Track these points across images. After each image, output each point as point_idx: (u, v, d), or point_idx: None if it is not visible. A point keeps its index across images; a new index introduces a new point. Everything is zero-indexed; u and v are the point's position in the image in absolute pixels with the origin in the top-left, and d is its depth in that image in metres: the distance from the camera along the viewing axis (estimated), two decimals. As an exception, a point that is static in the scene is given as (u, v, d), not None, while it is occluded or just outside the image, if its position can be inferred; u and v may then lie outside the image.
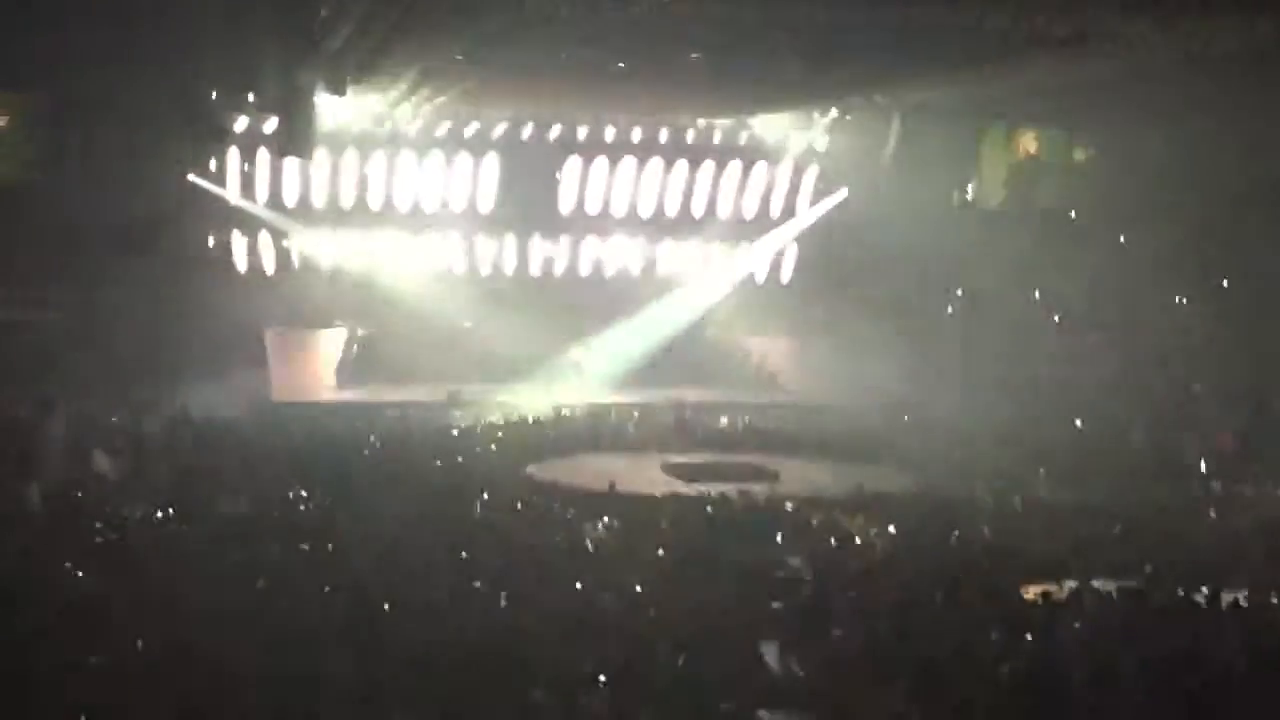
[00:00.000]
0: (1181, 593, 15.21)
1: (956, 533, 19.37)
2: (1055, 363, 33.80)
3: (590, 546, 17.89)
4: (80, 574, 14.93)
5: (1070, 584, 15.51)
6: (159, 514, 18.77)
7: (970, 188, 36.49)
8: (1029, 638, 13.20)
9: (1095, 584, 15.41)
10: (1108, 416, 29.60)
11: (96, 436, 24.66)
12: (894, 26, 24.14)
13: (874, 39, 25.17)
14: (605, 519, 19.50)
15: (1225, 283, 33.15)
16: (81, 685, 11.30)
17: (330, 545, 16.89)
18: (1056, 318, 35.65)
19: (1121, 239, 34.66)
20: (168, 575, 14.95)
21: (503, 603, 14.19)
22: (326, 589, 14.34)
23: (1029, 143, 35.67)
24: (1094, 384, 31.85)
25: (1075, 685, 11.84)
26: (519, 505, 20.81)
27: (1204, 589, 15.20)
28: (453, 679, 11.59)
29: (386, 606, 13.40)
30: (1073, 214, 35.54)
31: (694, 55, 26.93)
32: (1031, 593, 15.15)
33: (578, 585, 15.05)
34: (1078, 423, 29.51)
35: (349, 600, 13.83)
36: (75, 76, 27.79)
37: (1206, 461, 25.58)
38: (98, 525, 17.87)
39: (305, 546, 16.82)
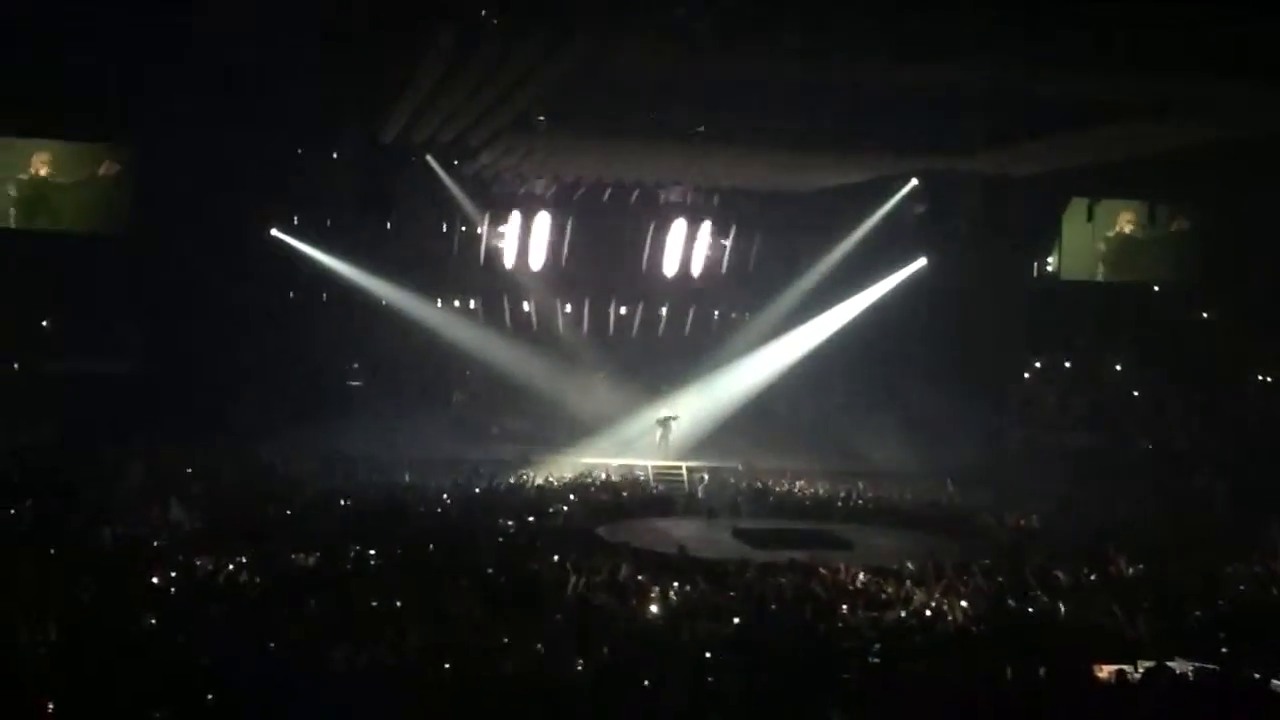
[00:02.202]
0: (1259, 677, 14.89)
1: (1030, 609, 19.10)
2: (1135, 435, 33.41)
3: (656, 610, 17.79)
4: (150, 620, 15.04)
5: (1146, 664, 15.22)
6: (230, 565, 18.87)
7: (1051, 259, 36.20)
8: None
9: (1171, 665, 15.12)
10: (1189, 490, 29.17)
11: (173, 485, 24.84)
12: (980, 95, 24.17)
13: (957, 106, 25.18)
14: (674, 583, 19.39)
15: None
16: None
17: (397, 602, 16.91)
18: (1136, 392, 35.25)
19: (1205, 314, 34.33)
20: (231, 624, 15.02)
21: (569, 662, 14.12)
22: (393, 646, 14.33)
23: (1114, 215, 35.33)
24: (1174, 457, 31.44)
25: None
26: (587, 566, 20.74)
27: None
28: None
29: (447, 666, 13.36)
30: (1155, 288, 35.17)
31: (777, 122, 27.01)
32: (1105, 672, 14.89)
33: (640, 647, 14.96)
34: (1156, 496, 29.07)
35: (415, 658, 13.82)
36: (167, 131, 28.21)
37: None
38: (171, 574, 18.03)
39: (375, 603, 16.86)
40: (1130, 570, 22.68)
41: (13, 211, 30.08)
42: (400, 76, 24.85)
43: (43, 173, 30.31)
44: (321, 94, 26.40)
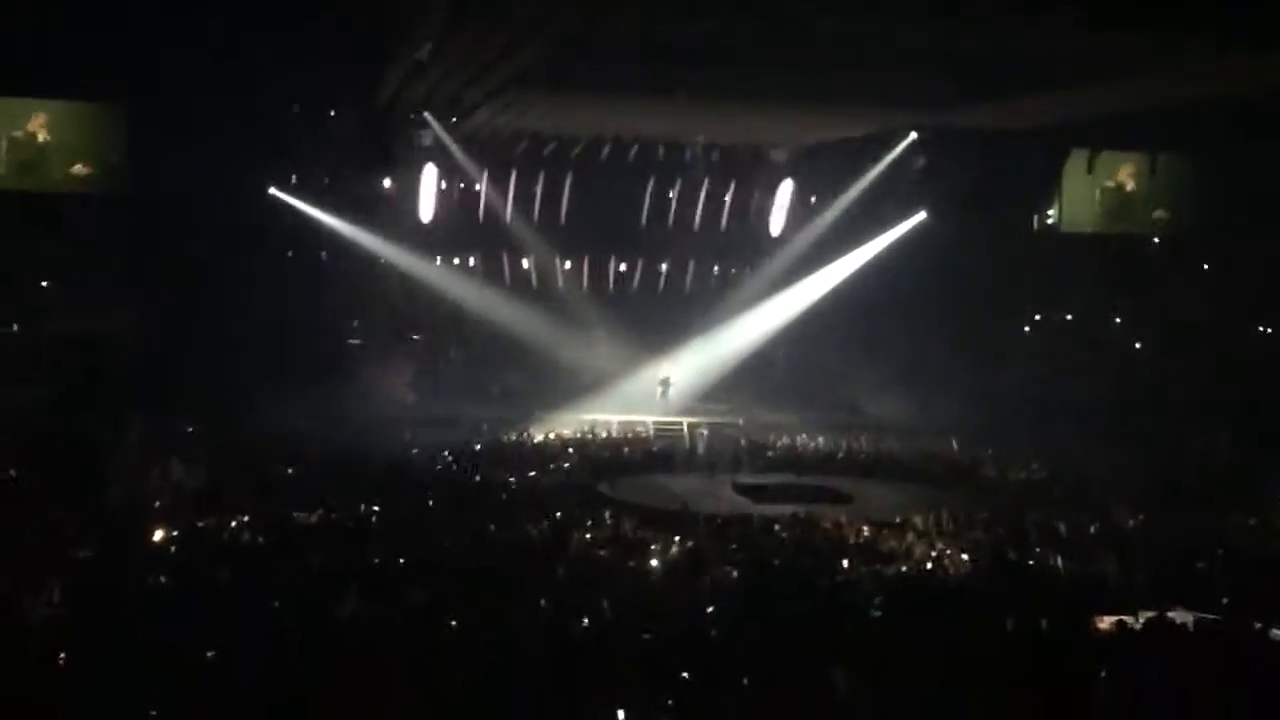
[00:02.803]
0: (1259, 626, 14.92)
1: (1031, 561, 19.16)
2: (1137, 387, 33.41)
3: (658, 564, 17.84)
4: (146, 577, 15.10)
5: (1146, 614, 15.25)
6: (234, 523, 18.93)
7: (1052, 212, 36.10)
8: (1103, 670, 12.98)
9: (1172, 615, 15.15)
10: (1190, 442, 29.19)
11: (174, 446, 24.87)
12: (976, 50, 24.09)
13: (956, 62, 25.09)
14: (675, 538, 19.44)
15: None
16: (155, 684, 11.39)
17: (402, 559, 16.96)
18: (1139, 344, 35.24)
19: (1205, 265, 34.28)
20: (237, 583, 15.06)
21: (567, 617, 14.17)
22: (394, 601, 14.37)
23: (1113, 167, 35.21)
24: (1174, 410, 31.43)
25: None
26: (589, 522, 20.80)
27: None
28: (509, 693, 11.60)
29: (454, 622, 13.40)
30: (1155, 239, 35.10)
31: (775, 77, 26.90)
32: (1106, 623, 14.92)
33: (643, 602, 15.01)
34: (1157, 449, 29.11)
35: (417, 612, 13.86)
36: (161, 88, 28.07)
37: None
38: (170, 533, 18.09)
39: (376, 560, 16.92)
40: (1131, 522, 22.74)
41: (3, 171, 29.98)
42: (398, 34, 24.74)
43: (40, 133, 30.20)
44: (319, 52, 26.23)
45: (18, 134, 30.10)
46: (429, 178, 34.51)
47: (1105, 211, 34.94)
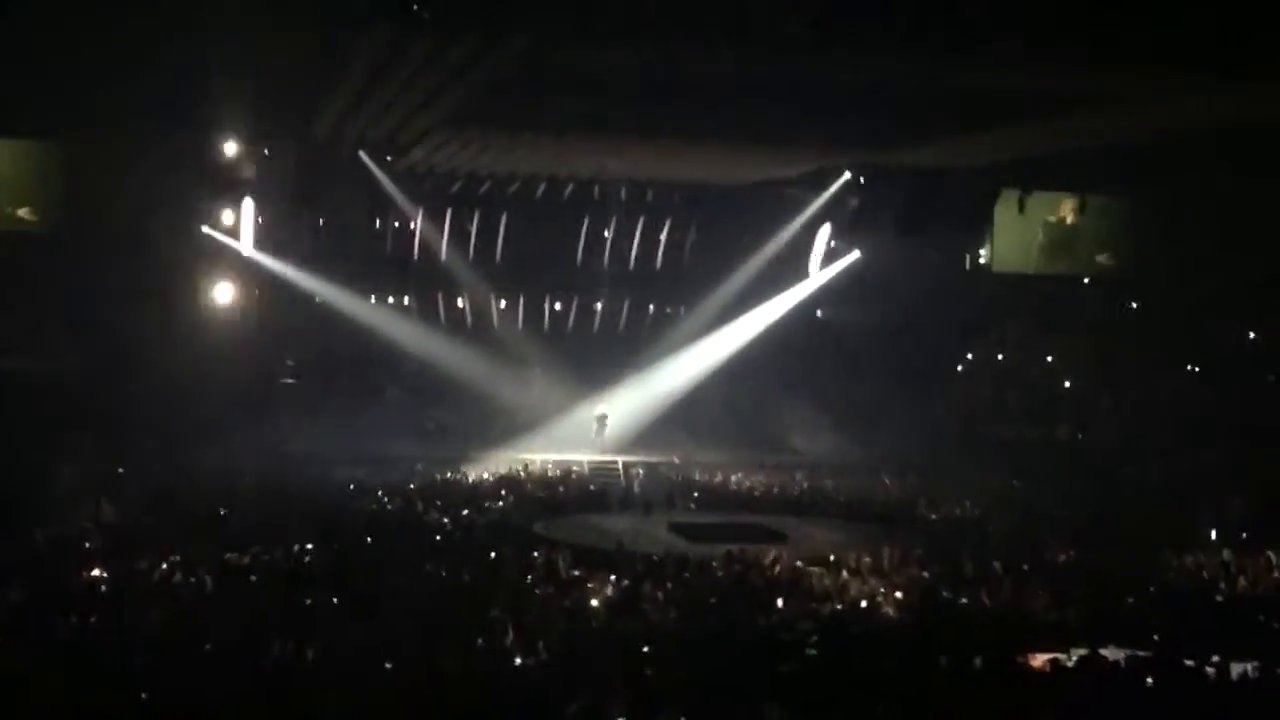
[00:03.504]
0: (1192, 662, 15.04)
1: (964, 599, 19.24)
2: (1065, 426, 33.73)
3: (594, 604, 17.79)
4: (75, 619, 14.92)
5: (1079, 652, 15.35)
6: (164, 564, 18.73)
7: (984, 252, 36.44)
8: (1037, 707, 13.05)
9: (1104, 652, 15.25)
10: (1121, 480, 29.46)
11: (105, 486, 24.60)
12: (910, 90, 24.31)
13: (888, 102, 25.30)
14: (611, 577, 19.40)
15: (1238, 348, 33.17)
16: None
17: (335, 599, 16.84)
18: (1068, 383, 35.59)
19: (1134, 304, 34.70)
20: (166, 622, 14.93)
21: (503, 659, 14.11)
22: (325, 641, 14.26)
23: (1050, 206, 35.57)
24: (1105, 448, 31.75)
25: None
26: (524, 562, 20.72)
27: (1215, 658, 15.05)
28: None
29: (388, 665, 13.31)
30: (1086, 280, 35.49)
31: (710, 116, 27.05)
32: (1039, 660, 15.00)
33: (580, 642, 14.97)
34: (1087, 486, 29.36)
35: (349, 651, 13.76)
36: (91, 126, 27.90)
37: (1218, 527, 25.42)
38: (100, 574, 17.88)
39: (308, 601, 16.78)
40: (1063, 559, 22.89)
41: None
42: (334, 73, 24.70)
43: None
44: (253, 91, 26.15)
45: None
46: (364, 216, 34.41)
47: (1043, 250, 35.27)
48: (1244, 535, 24.91)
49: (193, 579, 18.01)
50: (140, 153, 28.36)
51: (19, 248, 29.92)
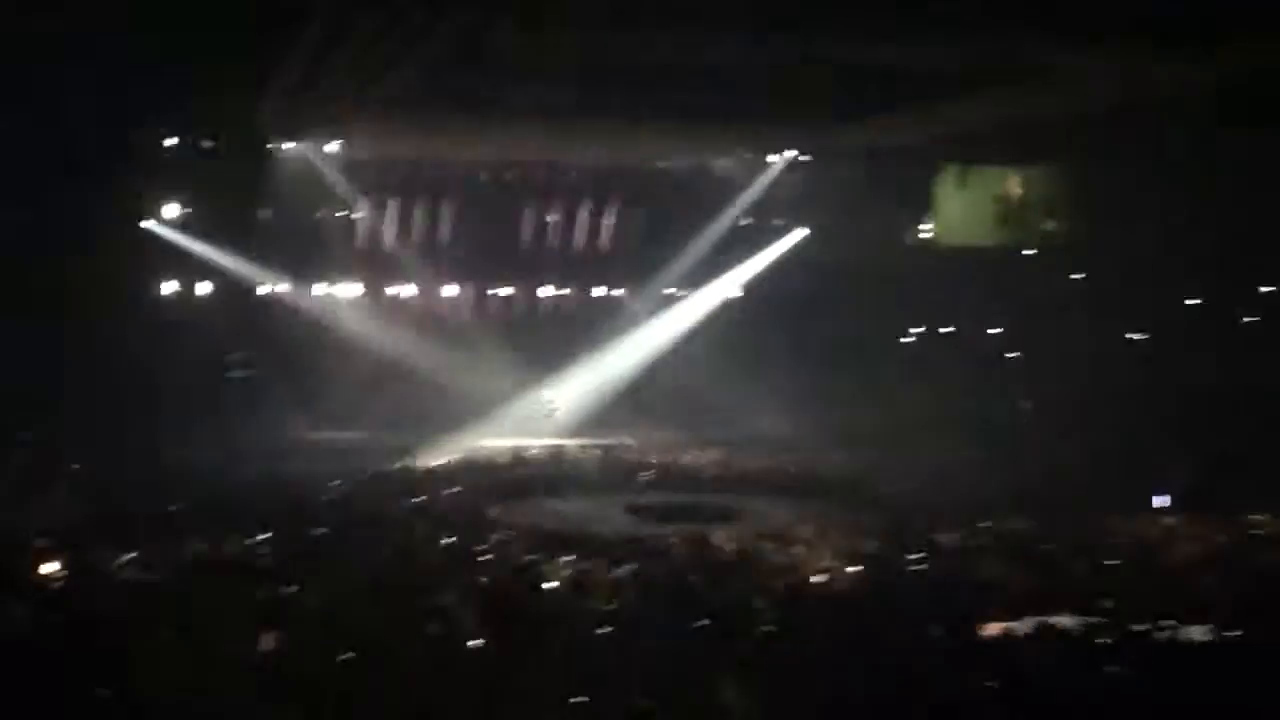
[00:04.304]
0: (1142, 628, 15.26)
1: (921, 569, 19.44)
2: (1014, 397, 34.02)
3: (550, 588, 17.87)
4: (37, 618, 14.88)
5: (1031, 620, 15.54)
6: (118, 560, 18.67)
7: (928, 226, 36.63)
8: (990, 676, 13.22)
9: (1055, 620, 15.45)
10: (1069, 450, 29.74)
11: (57, 481, 24.47)
12: (851, 67, 24.44)
13: (831, 80, 25.42)
14: (567, 560, 19.49)
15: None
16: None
17: (292, 587, 16.85)
18: (1015, 353, 35.88)
19: (1073, 277, 34.98)
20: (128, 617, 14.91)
21: (463, 644, 14.17)
22: (285, 632, 14.27)
23: (994, 180, 35.79)
24: (1053, 418, 32.04)
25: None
26: (481, 548, 20.76)
27: (1164, 623, 15.27)
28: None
29: (349, 653, 13.33)
30: (1025, 251, 35.74)
31: (652, 98, 27.10)
32: (992, 629, 15.19)
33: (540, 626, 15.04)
34: (1035, 455, 29.65)
35: (309, 643, 13.78)
36: (33, 126, 27.67)
37: (1164, 493, 25.72)
38: (54, 570, 17.81)
39: (266, 593, 16.78)
40: (1013, 528, 23.13)
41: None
42: (270, 63, 24.57)
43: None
44: (190, 83, 25.97)
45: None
46: (306, 206, 34.29)
47: (986, 222, 35.47)
48: (1188, 501, 25.22)
49: (149, 574, 18.01)
50: (76, 150, 28.10)
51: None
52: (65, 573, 17.83)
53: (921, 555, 20.60)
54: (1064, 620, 15.48)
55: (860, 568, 19.59)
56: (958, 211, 35.60)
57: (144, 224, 32.26)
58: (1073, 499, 25.44)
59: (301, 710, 11.91)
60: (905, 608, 16.18)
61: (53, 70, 24.07)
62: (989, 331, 36.12)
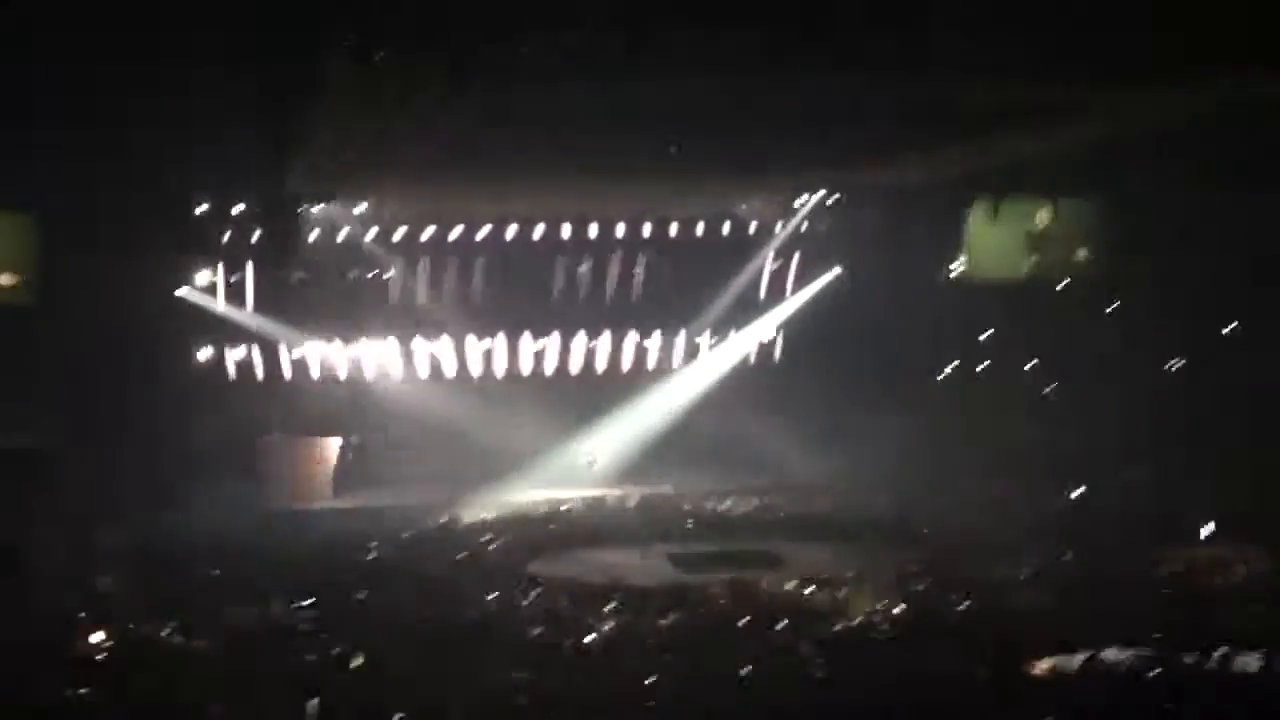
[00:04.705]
0: (1192, 660, 15.10)
1: (964, 608, 19.28)
2: (1053, 429, 33.76)
3: (597, 641, 17.80)
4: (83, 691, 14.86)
5: (1082, 655, 15.39)
6: (164, 631, 18.67)
7: (958, 263, 36.49)
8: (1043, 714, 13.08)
9: (1106, 654, 15.30)
10: (1114, 483, 29.51)
11: (96, 557, 24.50)
12: (874, 106, 24.44)
13: (857, 121, 25.44)
14: (611, 612, 19.41)
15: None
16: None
17: (334, 651, 16.81)
18: (1052, 386, 35.65)
19: (1109, 309, 34.77)
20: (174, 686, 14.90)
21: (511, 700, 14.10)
22: (334, 698, 14.24)
23: (1025, 213, 35.61)
24: (1097, 452, 31.77)
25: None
26: (523, 603, 20.71)
27: (1215, 654, 15.11)
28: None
29: (399, 714, 13.29)
30: (1059, 286, 35.55)
31: (672, 148, 27.16)
32: (1042, 667, 15.04)
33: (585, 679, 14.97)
34: (1078, 492, 29.40)
35: (356, 707, 13.73)
36: (59, 194, 27.91)
37: (1209, 523, 25.48)
38: (97, 642, 17.81)
39: (311, 657, 16.76)
40: (1061, 561, 22.95)
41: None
42: (299, 126, 24.73)
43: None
44: (219, 151, 26.17)
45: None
46: (338, 269, 34.39)
47: (1019, 256, 35.29)
48: (1235, 529, 24.98)
49: (192, 642, 18.00)
50: (113, 218, 28.32)
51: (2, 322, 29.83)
52: (110, 643, 17.84)
53: (967, 593, 20.44)
54: (1114, 654, 15.33)
55: (906, 608, 19.44)
56: (990, 246, 35.41)
57: (176, 291, 32.37)
58: (1118, 531, 25.24)
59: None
60: (953, 647, 16.05)
61: (83, 137, 24.28)
62: (1025, 366, 35.85)
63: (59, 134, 24.11)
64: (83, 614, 20.01)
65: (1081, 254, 35.27)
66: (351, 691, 14.25)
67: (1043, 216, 35.23)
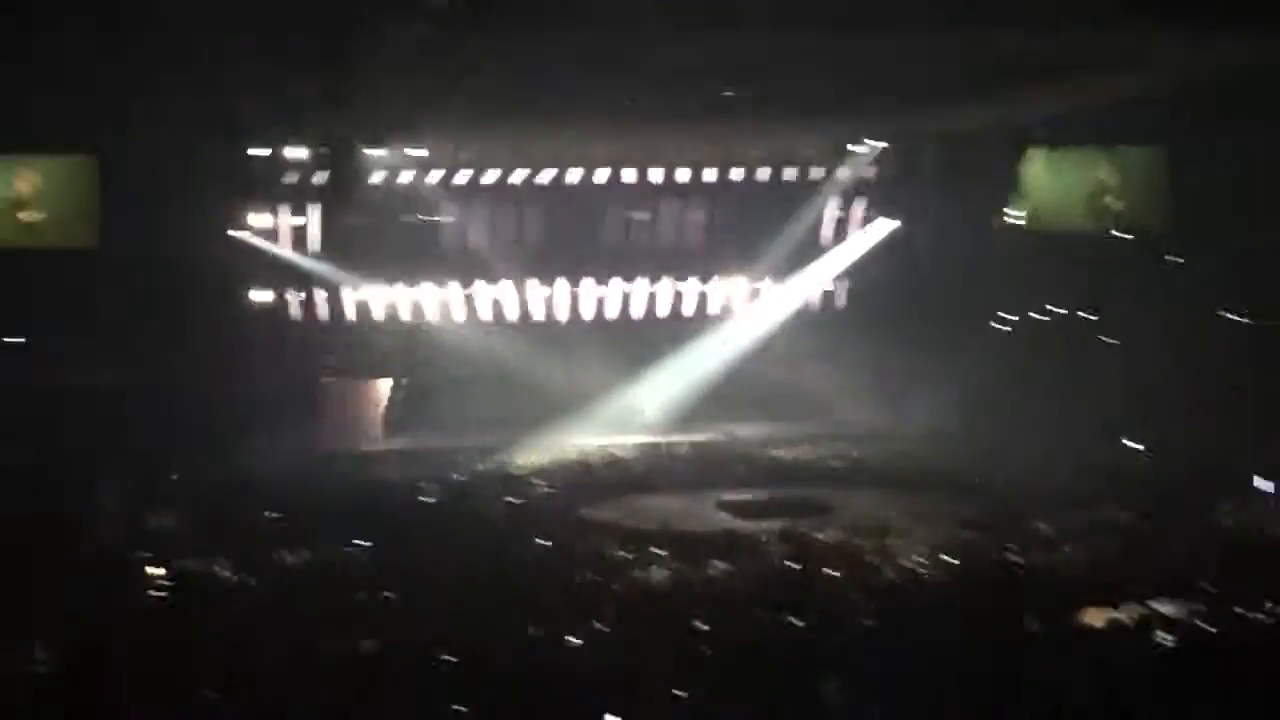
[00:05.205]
0: (1243, 611, 15.04)
1: (1017, 559, 19.27)
2: (1113, 382, 33.54)
3: (645, 586, 17.90)
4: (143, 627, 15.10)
5: (1134, 608, 15.36)
6: (221, 570, 18.91)
7: (1014, 210, 36.20)
8: (1091, 665, 13.08)
9: (1158, 606, 15.27)
10: (1170, 436, 29.32)
11: (155, 494, 24.80)
12: (932, 53, 24.24)
13: (913, 69, 25.25)
14: (661, 558, 19.51)
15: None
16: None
17: (385, 593, 16.99)
18: (1106, 338, 35.38)
19: (1170, 259, 34.40)
20: (228, 627, 15.10)
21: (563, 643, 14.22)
22: (387, 639, 14.40)
23: (1080, 163, 35.27)
24: (1154, 403, 31.56)
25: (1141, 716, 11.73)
26: (574, 547, 20.83)
27: (1270, 607, 15.05)
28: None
29: (447, 656, 13.41)
30: (1118, 235, 35.22)
31: (729, 93, 27.04)
32: (1094, 619, 15.02)
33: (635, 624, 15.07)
34: (1137, 444, 29.22)
35: (410, 649, 13.88)
36: (118, 137, 28.11)
37: (1264, 476, 25.28)
38: (159, 579, 18.08)
39: (361, 594, 16.95)
40: (1117, 512, 22.88)
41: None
42: (356, 71, 24.75)
43: (24, 190, 30.29)
44: (280, 95, 26.26)
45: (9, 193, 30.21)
46: (396, 212, 34.52)
47: (1076, 206, 34.99)
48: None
49: (250, 581, 18.25)
50: (172, 162, 28.52)
51: (58, 264, 30.08)
52: (169, 581, 18.10)
53: (1020, 543, 20.42)
54: (1169, 606, 15.30)
55: (958, 558, 19.44)
56: (1047, 195, 35.08)
57: (237, 234, 32.56)
58: (1175, 483, 25.11)
59: (402, 713, 12.00)
60: (1004, 598, 16.05)
61: (145, 81, 24.39)
62: (1082, 316, 35.57)
63: (121, 78, 24.21)
64: (145, 552, 20.32)
65: (1141, 204, 34.91)
66: (401, 633, 14.40)
67: (1102, 165, 34.88)
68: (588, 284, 36.68)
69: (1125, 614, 15.13)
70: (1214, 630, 14.33)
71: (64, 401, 28.68)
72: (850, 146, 35.29)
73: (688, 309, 37.37)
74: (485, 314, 36.30)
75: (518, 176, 34.85)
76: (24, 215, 30.19)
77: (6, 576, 17.72)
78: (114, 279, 29.82)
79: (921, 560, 19.48)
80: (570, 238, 36.00)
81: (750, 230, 36.65)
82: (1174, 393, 31.43)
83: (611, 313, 36.89)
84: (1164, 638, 14.25)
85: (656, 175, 35.53)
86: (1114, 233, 34.95)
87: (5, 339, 29.66)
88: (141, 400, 28.98)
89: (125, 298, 29.87)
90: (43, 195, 30.48)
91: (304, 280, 34.13)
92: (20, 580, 17.73)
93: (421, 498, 26.31)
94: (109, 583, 18.05)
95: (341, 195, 32.54)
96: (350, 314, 35.08)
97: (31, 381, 29.44)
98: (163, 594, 17.54)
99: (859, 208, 36.44)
